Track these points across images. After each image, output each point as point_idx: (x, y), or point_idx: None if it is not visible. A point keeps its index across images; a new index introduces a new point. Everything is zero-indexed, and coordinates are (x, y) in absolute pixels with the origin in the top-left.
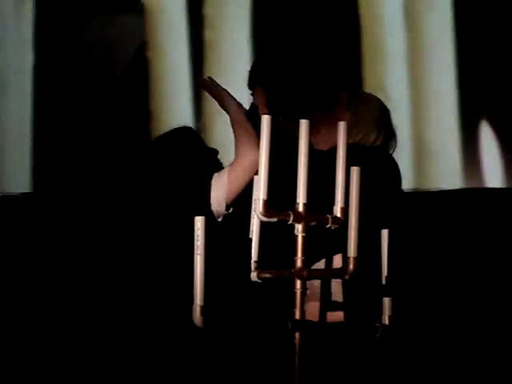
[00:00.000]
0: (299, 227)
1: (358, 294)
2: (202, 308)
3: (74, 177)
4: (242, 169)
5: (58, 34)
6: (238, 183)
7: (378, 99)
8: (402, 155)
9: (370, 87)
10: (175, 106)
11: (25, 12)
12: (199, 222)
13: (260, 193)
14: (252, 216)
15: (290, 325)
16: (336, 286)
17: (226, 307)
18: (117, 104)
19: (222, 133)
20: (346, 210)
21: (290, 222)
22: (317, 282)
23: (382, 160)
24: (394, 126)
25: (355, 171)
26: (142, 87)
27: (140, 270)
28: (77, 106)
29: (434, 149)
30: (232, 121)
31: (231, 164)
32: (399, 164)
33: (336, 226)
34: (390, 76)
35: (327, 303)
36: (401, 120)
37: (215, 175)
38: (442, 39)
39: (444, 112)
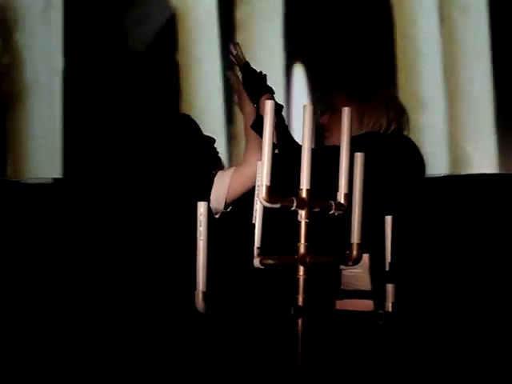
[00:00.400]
0: (302, 213)
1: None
2: (205, 294)
3: (104, 165)
4: (247, 174)
5: (87, 37)
6: (240, 187)
7: (380, 84)
8: (439, 159)
9: (404, 93)
10: (207, 110)
11: (53, 15)
12: (202, 207)
13: (263, 178)
14: (255, 202)
15: (292, 311)
16: (364, 274)
17: (228, 293)
18: (147, 107)
19: None
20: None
21: (293, 208)
22: (347, 272)
23: (398, 145)
24: (402, 105)
25: (359, 157)
26: (173, 91)
27: (143, 260)
28: (107, 110)
29: (469, 152)
30: (245, 125)
31: (238, 167)
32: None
33: (339, 212)
34: (425, 81)
35: (352, 292)
36: (436, 124)
37: (219, 173)
38: (477, 44)
39: (480, 115)
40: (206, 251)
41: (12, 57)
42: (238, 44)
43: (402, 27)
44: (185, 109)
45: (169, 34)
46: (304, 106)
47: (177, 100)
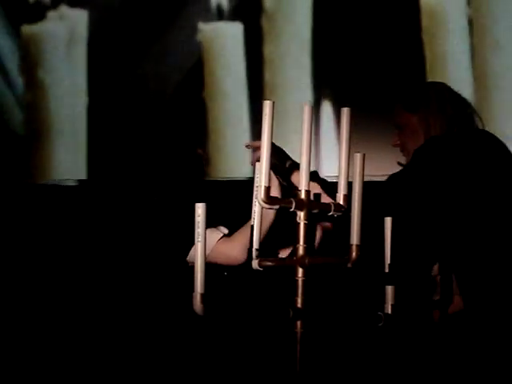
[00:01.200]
0: (301, 214)
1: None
2: (203, 296)
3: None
4: (229, 253)
5: (111, 75)
6: (219, 260)
7: (434, 86)
8: None
9: None
10: (234, 148)
11: (77, 51)
12: (200, 208)
13: (262, 180)
14: (254, 203)
15: (291, 313)
16: None
17: (226, 295)
18: (173, 145)
19: None
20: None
21: (292, 210)
22: None
23: (461, 142)
24: (464, 99)
25: (359, 157)
26: (199, 128)
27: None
28: (131, 145)
29: None
30: None
31: (226, 238)
32: None
33: (338, 213)
34: None
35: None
36: None
37: (208, 231)
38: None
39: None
40: (204, 253)
41: (36, 93)
42: (249, 146)
43: (432, 65)
44: (211, 147)
45: (196, 70)
46: (302, 106)
47: (203, 140)
